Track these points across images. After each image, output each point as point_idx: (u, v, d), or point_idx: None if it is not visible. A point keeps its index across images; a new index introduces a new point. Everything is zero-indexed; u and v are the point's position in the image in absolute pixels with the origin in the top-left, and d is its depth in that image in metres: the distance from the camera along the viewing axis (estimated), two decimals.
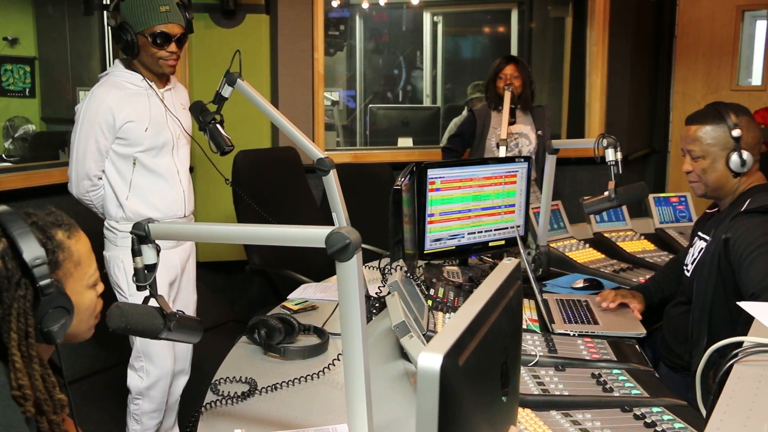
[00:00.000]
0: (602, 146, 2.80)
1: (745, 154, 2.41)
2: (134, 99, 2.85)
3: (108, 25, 2.83)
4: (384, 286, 2.43)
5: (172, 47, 2.83)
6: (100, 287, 1.63)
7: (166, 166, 2.94)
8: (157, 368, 2.96)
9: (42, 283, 1.41)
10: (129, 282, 2.88)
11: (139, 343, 2.94)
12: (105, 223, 2.96)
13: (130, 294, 2.88)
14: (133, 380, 2.98)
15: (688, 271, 2.60)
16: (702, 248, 2.52)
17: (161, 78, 2.93)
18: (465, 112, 5.90)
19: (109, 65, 3.00)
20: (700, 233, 2.61)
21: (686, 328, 2.46)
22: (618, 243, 3.63)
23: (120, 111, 2.80)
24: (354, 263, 1.33)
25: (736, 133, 2.41)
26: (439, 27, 7.77)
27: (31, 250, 1.41)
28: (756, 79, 6.48)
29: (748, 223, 2.32)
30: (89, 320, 1.60)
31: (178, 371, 3.11)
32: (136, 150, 2.86)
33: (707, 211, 2.70)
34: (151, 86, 2.89)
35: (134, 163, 2.87)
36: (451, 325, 1.04)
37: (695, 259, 2.55)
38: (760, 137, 2.49)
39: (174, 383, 3.10)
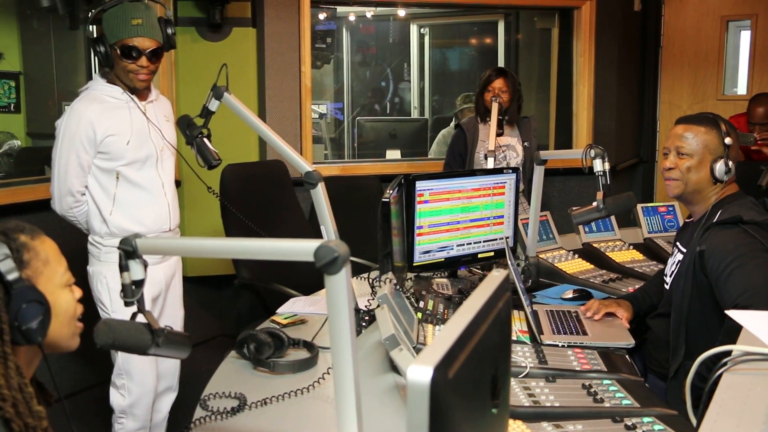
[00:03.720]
0: (590, 157, 2.80)
1: (730, 164, 2.43)
2: (115, 112, 2.84)
3: (86, 36, 2.82)
4: (373, 298, 2.42)
5: (143, 61, 2.81)
6: (78, 292, 1.61)
7: (150, 179, 2.92)
8: (138, 386, 2.93)
9: (9, 277, 1.40)
10: (111, 297, 2.86)
11: (120, 360, 2.91)
12: (89, 238, 2.94)
13: (112, 310, 2.86)
14: (116, 398, 2.95)
15: (667, 283, 2.61)
16: (679, 260, 2.53)
17: (142, 91, 2.92)
18: (453, 123, 5.90)
19: None
20: (678, 244, 2.63)
21: (666, 338, 2.48)
22: (607, 253, 3.64)
23: (100, 125, 2.79)
24: (343, 276, 1.33)
25: (728, 140, 2.43)
26: (426, 39, 7.79)
27: None
28: (741, 89, 6.53)
29: (721, 236, 2.34)
30: (70, 325, 1.57)
31: (165, 388, 3.09)
32: (118, 164, 2.84)
33: (686, 221, 2.71)
34: (132, 99, 2.88)
35: (117, 177, 2.85)
36: (441, 338, 1.03)
37: (673, 271, 2.57)
38: (738, 156, 2.52)
39: (161, 400, 3.08)
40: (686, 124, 2.51)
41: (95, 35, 2.80)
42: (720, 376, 1.53)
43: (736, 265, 2.24)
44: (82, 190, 2.86)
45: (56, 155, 2.83)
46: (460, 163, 4.49)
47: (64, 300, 1.55)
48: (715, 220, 2.39)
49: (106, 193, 2.87)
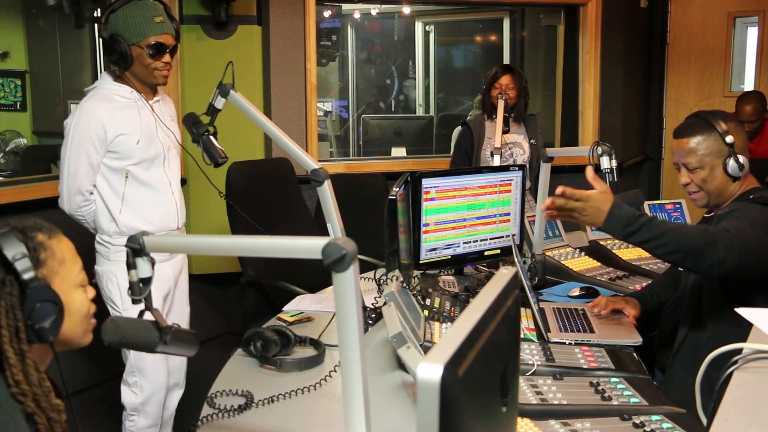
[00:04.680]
0: (597, 154, 2.79)
1: (741, 158, 2.41)
2: (124, 112, 2.83)
3: (99, 37, 2.82)
4: (380, 296, 2.41)
5: (167, 58, 2.84)
6: (91, 292, 1.63)
7: (158, 178, 2.92)
8: (150, 383, 2.93)
9: (25, 276, 1.42)
10: (123, 296, 2.85)
11: (132, 358, 2.91)
12: (97, 237, 2.93)
13: (123, 308, 2.86)
14: (128, 396, 2.95)
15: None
16: None
17: (150, 90, 2.92)
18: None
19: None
20: None
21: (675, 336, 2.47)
22: (614, 251, 3.63)
23: (111, 124, 2.78)
24: (351, 274, 1.32)
25: (729, 139, 2.40)
26: (431, 36, 7.79)
27: (12, 248, 1.43)
28: (748, 85, 6.51)
29: (739, 206, 2.37)
30: (83, 323, 1.59)
31: (172, 385, 3.08)
32: (128, 163, 2.84)
33: (705, 216, 2.70)
34: (141, 98, 2.88)
35: (126, 177, 2.85)
36: (450, 335, 1.03)
37: None
38: (746, 138, 2.50)
39: (168, 397, 3.07)
40: (684, 137, 2.47)
41: (107, 35, 2.80)
42: (731, 374, 1.52)
43: (735, 216, 2.27)
44: (91, 189, 2.86)
45: (65, 154, 2.82)
46: (466, 160, 4.48)
47: (77, 299, 1.57)
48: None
49: (115, 192, 2.86)
